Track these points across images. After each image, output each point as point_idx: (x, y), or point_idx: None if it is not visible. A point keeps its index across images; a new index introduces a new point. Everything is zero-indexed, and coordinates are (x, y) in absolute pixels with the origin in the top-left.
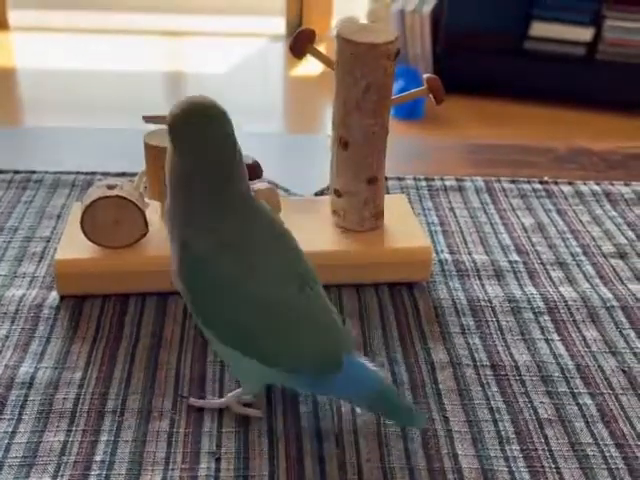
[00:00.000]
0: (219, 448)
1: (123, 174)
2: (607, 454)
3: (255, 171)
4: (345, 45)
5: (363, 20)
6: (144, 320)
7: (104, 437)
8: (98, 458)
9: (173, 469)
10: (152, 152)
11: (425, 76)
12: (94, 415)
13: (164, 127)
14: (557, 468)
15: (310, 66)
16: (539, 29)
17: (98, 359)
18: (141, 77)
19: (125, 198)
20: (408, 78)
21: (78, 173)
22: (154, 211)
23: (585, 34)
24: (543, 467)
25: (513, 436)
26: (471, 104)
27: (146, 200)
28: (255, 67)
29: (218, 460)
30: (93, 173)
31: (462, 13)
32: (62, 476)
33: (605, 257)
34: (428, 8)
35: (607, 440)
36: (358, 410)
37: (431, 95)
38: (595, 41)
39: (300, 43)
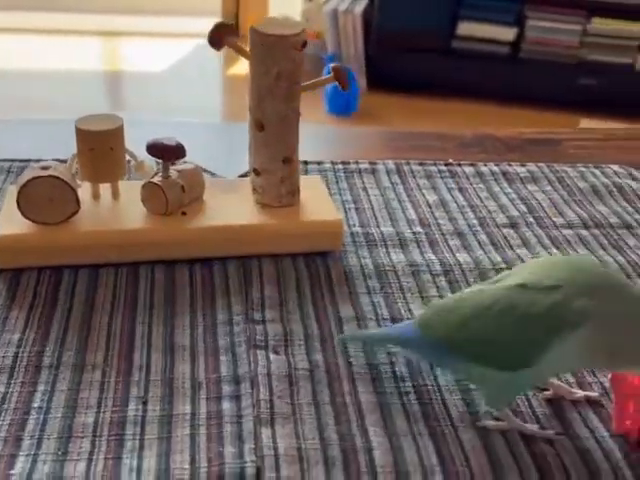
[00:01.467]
0: (146, 394)
1: (57, 160)
2: None
3: (178, 152)
4: (257, 37)
5: (298, 19)
6: (77, 289)
7: (41, 387)
8: (36, 405)
9: (105, 412)
10: (83, 136)
11: (331, 65)
12: (32, 369)
13: (102, 117)
14: (443, 400)
15: (246, 65)
16: (466, 29)
17: (35, 323)
18: (79, 77)
19: (58, 178)
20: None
21: (13, 160)
22: (85, 191)
23: (509, 33)
24: (431, 400)
25: (407, 375)
26: (402, 101)
27: (78, 181)
28: (192, 67)
29: (145, 403)
30: (28, 160)
31: (392, 13)
32: (3, 420)
33: (498, 227)
34: (360, 8)
35: None
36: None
37: (337, 82)
38: (518, 40)
39: (217, 36)
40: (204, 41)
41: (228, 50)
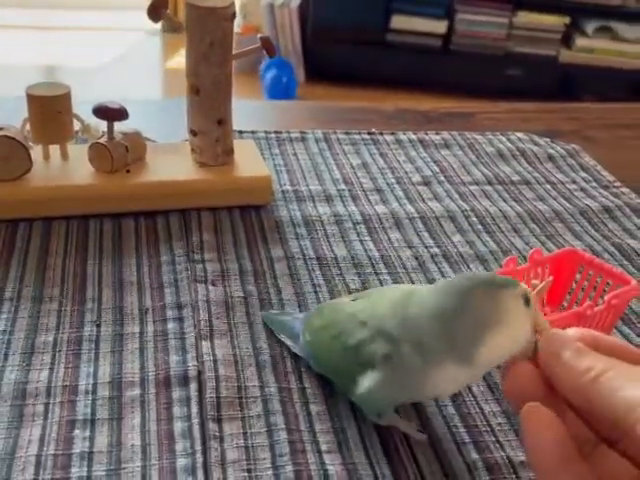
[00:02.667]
0: (99, 318)
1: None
2: None
3: (121, 113)
4: (191, 9)
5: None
6: (32, 238)
7: (4, 315)
8: (0, 328)
9: (63, 333)
10: (34, 101)
11: (259, 36)
12: None
13: (51, 84)
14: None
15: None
16: (399, 22)
17: None
18: (15, 72)
19: (12, 138)
20: (280, 67)
21: None
22: (36, 153)
23: (440, 27)
24: None
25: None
26: (339, 92)
27: (30, 144)
28: (132, 61)
29: (99, 326)
30: None
31: (328, 7)
32: None
33: (413, 185)
34: (296, 2)
35: None
36: None
37: (264, 50)
38: (449, 33)
39: (156, 9)
40: (144, 35)
41: (166, 44)
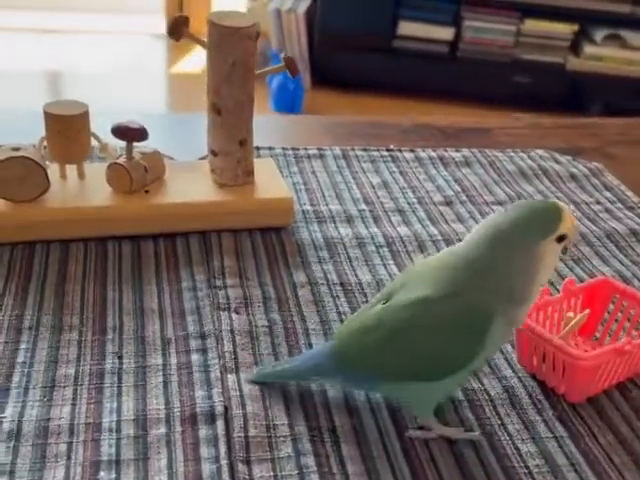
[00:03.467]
0: (121, 349)
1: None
2: None
3: (141, 134)
4: (214, 28)
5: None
6: (50, 262)
7: (23, 346)
8: (20, 360)
9: (84, 365)
10: (52, 120)
11: (282, 55)
12: (13, 331)
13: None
14: None
15: (190, 63)
16: (406, 28)
17: (12, 291)
18: (21, 76)
19: (29, 158)
20: (287, 74)
21: None
22: (53, 172)
23: (447, 33)
24: None
25: None
26: (345, 99)
27: (47, 162)
28: (137, 65)
29: (120, 358)
30: None
31: (335, 13)
32: None
33: (435, 205)
34: (303, 8)
35: None
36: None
37: (287, 70)
38: (456, 40)
39: (177, 27)
40: (149, 39)
41: (172, 48)
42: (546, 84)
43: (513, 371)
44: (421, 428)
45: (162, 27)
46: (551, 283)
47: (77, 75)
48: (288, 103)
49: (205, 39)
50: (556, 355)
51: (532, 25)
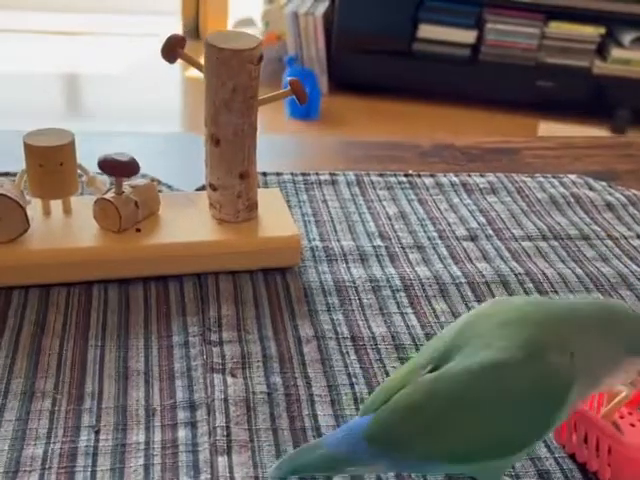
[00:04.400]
0: (98, 422)
1: (7, 174)
2: None
3: (131, 168)
4: (211, 50)
5: (258, 21)
6: (27, 310)
7: None
8: None
9: (55, 442)
10: (32, 152)
11: (288, 79)
12: None
13: (52, 131)
14: None
15: None
16: (426, 31)
17: None
18: (35, 78)
19: (6, 196)
20: (304, 77)
21: None
22: (35, 207)
23: (469, 36)
24: None
25: (367, 396)
26: (363, 103)
27: (27, 197)
28: (153, 67)
29: (97, 432)
30: None
31: (353, 16)
32: None
33: (458, 240)
34: (321, 10)
35: None
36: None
37: (294, 95)
38: (478, 43)
39: (170, 48)
40: (160, 40)
41: (187, 50)
42: (571, 89)
43: (549, 450)
44: None
45: (178, 29)
46: None
47: (92, 77)
48: (304, 108)
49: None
50: (600, 438)
51: (557, 28)
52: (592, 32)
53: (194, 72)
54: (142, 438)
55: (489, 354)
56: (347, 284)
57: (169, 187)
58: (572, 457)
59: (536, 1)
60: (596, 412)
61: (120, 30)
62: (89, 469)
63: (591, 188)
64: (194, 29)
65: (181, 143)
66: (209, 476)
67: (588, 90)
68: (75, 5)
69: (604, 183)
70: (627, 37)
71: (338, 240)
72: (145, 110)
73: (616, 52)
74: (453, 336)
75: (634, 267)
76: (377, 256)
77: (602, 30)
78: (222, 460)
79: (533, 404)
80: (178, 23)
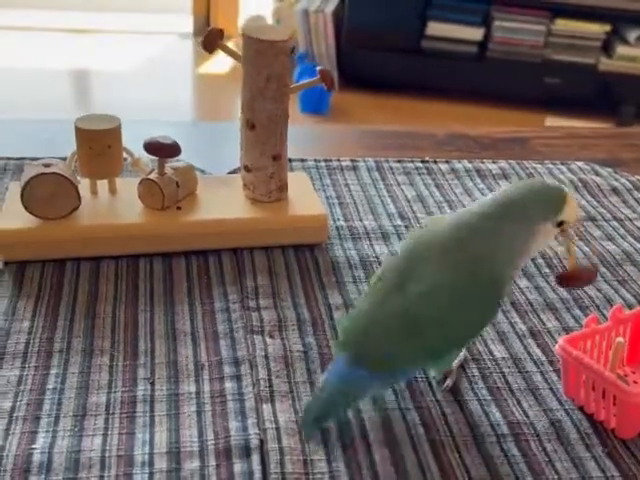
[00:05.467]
0: (153, 375)
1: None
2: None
3: (174, 149)
4: (250, 42)
5: (269, 18)
6: (80, 281)
7: (54, 371)
8: (50, 386)
9: (115, 392)
10: (83, 135)
11: (318, 68)
12: (43, 355)
13: (101, 116)
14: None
15: (217, 63)
16: (435, 29)
17: (42, 312)
18: (47, 75)
19: (61, 175)
20: (315, 74)
21: (9, 159)
22: (84, 187)
23: (476, 34)
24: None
25: None
26: (373, 99)
27: (78, 178)
28: (164, 65)
29: (152, 384)
30: (22, 158)
31: (363, 13)
32: (21, 401)
33: None
34: (331, 8)
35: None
36: None
37: (323, 83)
38: (485, 40)
39: (211, 40)
40: (176, 38)
41: (198, 48)
42: (577, 85)
43: (559, 403)
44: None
45: (189, 26)
46: (597, 307)
47: (104, 74)
48: (316, 104)
49: (240, 52)
50: (606, 389)
51: (563, 25)
52: (598, 29)
53: (206, 69)
54: (193, 389)
55: (442, 276)
56: (371, 259)
57: (202, 171)
58: (581, 409)
59: None
60: (603, 366)
61: (132, 28)
62: (148, 414)
63: (597, 174)
64: (205, 27)
65: (208, 131)
66: (255, 420)
67: (594, 86)
68: (88, 4)
69: (610, 169)
70: (632, 34)
71: (361, 220)
72: (158, 106)
73: (621, 49)
74: (405, 255)
75: (638, 245)
76: (398, 235)
77: (608, 27)
78: (267, 407)
79: (484, 311)
80: (189, 21)
